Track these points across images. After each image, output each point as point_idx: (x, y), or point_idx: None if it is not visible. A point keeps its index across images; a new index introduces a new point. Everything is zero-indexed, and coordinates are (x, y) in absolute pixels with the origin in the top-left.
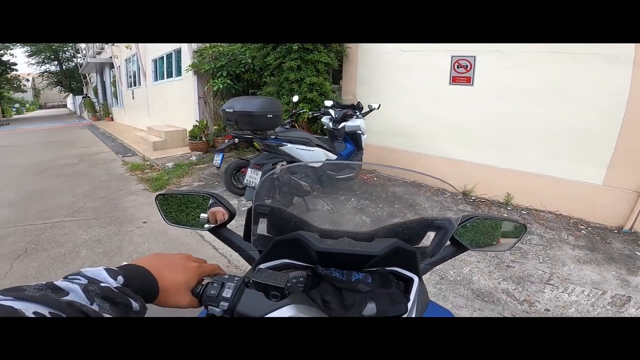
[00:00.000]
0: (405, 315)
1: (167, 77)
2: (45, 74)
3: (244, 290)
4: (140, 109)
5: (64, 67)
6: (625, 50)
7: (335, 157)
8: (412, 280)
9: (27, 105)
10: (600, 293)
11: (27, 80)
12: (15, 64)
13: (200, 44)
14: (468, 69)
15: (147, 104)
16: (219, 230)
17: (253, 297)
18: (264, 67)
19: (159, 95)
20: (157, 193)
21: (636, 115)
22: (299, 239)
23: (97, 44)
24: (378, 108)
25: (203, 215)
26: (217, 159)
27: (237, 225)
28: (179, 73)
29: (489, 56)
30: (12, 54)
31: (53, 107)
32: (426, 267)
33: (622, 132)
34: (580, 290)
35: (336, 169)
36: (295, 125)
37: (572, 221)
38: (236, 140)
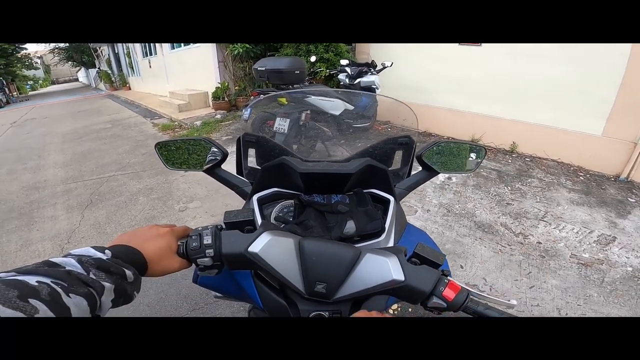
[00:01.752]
0: (383, 236)
1: (185, 45)
2: (56, 50)
3: (220, 234)
4: (158, 76)
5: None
6: None
7: (352, 107)
8: (389, 201)
9: (40, 81)
10: (588, 232)
11: (39, 57)
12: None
13: None
14: None
15: (166, 72)
16: (214, 170)
17: (232, 236)
18: None
19: (178, 63)
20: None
21: (635, 73)
22: (284, 163)
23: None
24: (391, 66)
25: (197, 167)
26: (246, 113)
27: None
28: None
29: None
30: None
31: (65, 82)
32: (402, 191)
33: (621, 88)
34: (570, 228)
35: (353, 117)
36: (313, 82)
37: (572, 168)
38: (262, 96)
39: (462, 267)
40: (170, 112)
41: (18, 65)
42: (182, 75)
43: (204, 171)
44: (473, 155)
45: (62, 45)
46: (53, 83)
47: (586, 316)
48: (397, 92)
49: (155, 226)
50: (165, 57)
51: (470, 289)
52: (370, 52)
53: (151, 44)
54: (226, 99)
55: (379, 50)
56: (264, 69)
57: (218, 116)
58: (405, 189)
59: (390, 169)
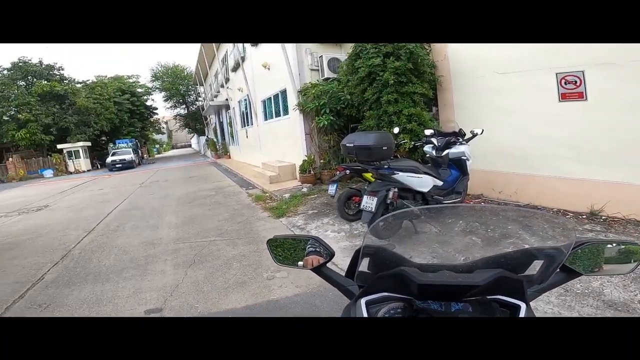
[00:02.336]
0: None
1: (276, 116)
2: (177, 117)
3: None
4: (253, 146)
5: (189, 109)
6: None
7: (441, 183)
8: (518, 307)
9: (164, 145)
10: None
11: (166, 122)
12: (156, 109)
13: (303, 84)
14: (578, 84)
15: (259, 142)
16: (321, 269)
17: None
18: (362, 102)
19: (269, 133)
20: (267, 239)
21: None
22: (401, 273)
23: (214, 88)
24: (481, 133)
25: (300, 263)
26: (332, 188)
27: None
28: (286, 112)
29: (600, 70)
30: (153, 99)
31: (181, 147)
32: (533, 293)
33: None
34: None
35: (443, 194)
36: (397, 155)
37: None
38: (347, 171)
39: None
40: (262, 183)
41: (150, 129)
42: (273, 146)
43: (311, 270)
44: (627, 254)
45: (181, 112)
46: (173, 147)
47: None
48: (491, 161)
49: None
50: (260, 127)
51: None
52: (456, 120)
53: (250, 116)
54: (312, 172)
55: (465, 116)
56: (352, 145)
57: (304, 189)
58: (538, 291)
59: (524, 273)
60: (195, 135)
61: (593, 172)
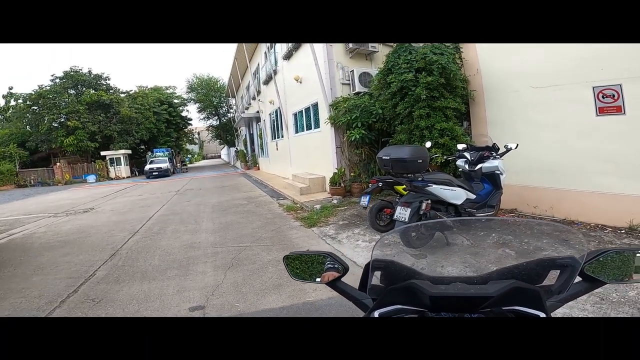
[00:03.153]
0: None
1: (307, 129)
2: (210, 127)
3: None
4: (283, 158)
5: (221, 121)
6: None
7: (474, 196)
8: (537, 317)
9: (195, 156)
10: None
11: (198, 133)
12: (191, 119)
13: (334, 98)
14: (616, 98)
15: (290, 154)
16: (335, 283)
17: None
18: (394, 116)
19: (300, 146)
20: (284, 254)
21: None
22: (412, 286)
23: (245, 100)
24: (516, 148)
25: (317, 279)
26: (364, 200)
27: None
28: (317, 125)
29: (637, 83)
30: (187, 110)
31: (212, 157)
32: (555, 304)
33: None
34: None
35: (476, 207)
36: (429, 169)
37: None
38: (380, 184)
39: None
40: (293, 194)
41: (184, 139)
42: (304, 158)
43: (326, 284)
44: None
45: (214, 123)
46: (203, 158)
47: None
48: (525, 175)
49: None
50: (290, 140)
51: None
52: (489, 134)
53: (280, 128)
54: (342, 184)
55: (497, 131)
56: (388, 158)
57: (335, 201)
58: (559, 301)
59: (541, 284)
60: (226, 147)
61: (632, 187)
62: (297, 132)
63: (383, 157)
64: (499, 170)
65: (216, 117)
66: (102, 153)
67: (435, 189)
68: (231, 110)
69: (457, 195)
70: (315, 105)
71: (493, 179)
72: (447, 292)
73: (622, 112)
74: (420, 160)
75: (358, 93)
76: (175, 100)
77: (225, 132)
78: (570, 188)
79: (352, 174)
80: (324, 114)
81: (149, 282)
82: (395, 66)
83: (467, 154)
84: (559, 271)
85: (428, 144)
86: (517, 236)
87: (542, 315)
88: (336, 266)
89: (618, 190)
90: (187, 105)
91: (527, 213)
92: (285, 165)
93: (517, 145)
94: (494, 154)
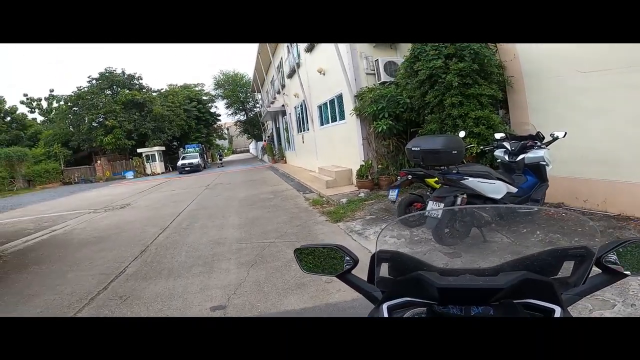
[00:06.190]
0: None
1: (332, 122)
2: (238, 122)
3: None
4: (309, 151)
5: (248, 115)
6: None
7: (515, 190)
8: (552, 311)
9: (225, 150)
10: None
11: (227, 129)
12: (219, 115)
13: (359, 88)
14: None
15: (315, 147)
16: (346, 276)
17: None
18: (423, 105)
19: (326, 138)
20: (295, 248)
21: None
22: (419, 278)
23: (270, 95)
24: (564, 137)
25: (328, 272)
26: (393, 194)
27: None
28: (342, 117)
29: None
30: (216, 107)
31: (241, 152)
32: (572, 297)
33: None
34: None
35: (517, 201)
36: (464, 161)
37: None
38: (409, 176)
39: None
40: (319, 188)
41: (214, 135)
42: (330, 151)
43: (336, 277)
44: None
45: (241, 118)
46: (233, 152)
47: None
48: (573, 167)
49: None
50: (316, 132)
51: None
52: (531, 121)
53: (306, 121)
54: (369, 177)
55: (540, 118)
56: (418, 149)
57: (362, 194)
58: (577, 294)
59: (557, 276)
60: (254, 141)
61: None
62: (322, 124)
63: (413, 149)
64: (544, 161)
65: (243, 112)
66: (138, 150)
67: (471, 182)
68: (257, 105)
69: (496, 188)
70: (340, 97)
71: (537, 171)
72: (456, 284)
73: None
74: (455, 152)
75: (384, 83)
76: (204, 97)
77: (253, 127)
78: (625, 180)
79: (379, 166)
80: (348, 105)
81: (174, 280)
82: (423, 53)
83: (506, 144)
84: (573, 262)
85: (462, 134)
86: (565, 234)
87: (557, 308)
88: (346, 258)
89: None
90: (215, 102)
91: (576, 208)
92: (311, 158)
93: (566, 133)
94: (539, 144)
